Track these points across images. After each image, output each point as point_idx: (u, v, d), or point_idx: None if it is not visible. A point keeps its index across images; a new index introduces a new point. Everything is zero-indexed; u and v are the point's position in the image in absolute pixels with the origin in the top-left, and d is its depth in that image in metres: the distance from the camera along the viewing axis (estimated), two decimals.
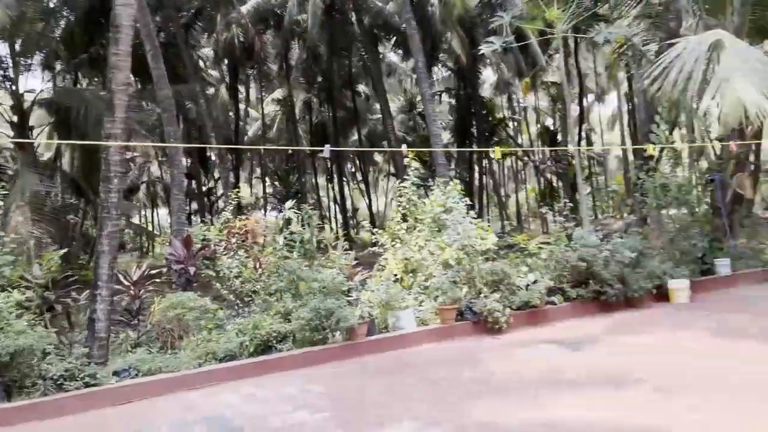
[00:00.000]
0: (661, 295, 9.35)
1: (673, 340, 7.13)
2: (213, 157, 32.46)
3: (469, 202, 10.03)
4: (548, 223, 25.95)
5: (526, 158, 38.88)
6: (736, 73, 7.96)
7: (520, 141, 39.42)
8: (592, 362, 6.36)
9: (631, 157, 20.37)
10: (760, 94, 7.77)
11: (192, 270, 9.64)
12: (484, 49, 12.51)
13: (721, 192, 11.61)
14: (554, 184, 34.88)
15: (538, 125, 39.49)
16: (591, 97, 41.18)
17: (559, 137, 33.46)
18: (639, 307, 9.04)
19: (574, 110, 34.43)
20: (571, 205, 11.18)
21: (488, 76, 38.04)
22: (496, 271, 8.59)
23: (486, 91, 37.79)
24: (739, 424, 4.36)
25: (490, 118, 34.57)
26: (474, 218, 9.53)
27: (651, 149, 9.97)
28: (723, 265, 10.60)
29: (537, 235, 16.17)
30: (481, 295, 8.35)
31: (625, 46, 12.33)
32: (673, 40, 9.77)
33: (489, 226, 10.00)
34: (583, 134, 31.56)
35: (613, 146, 35.21)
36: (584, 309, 8.87)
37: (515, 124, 39.92)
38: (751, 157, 12.89)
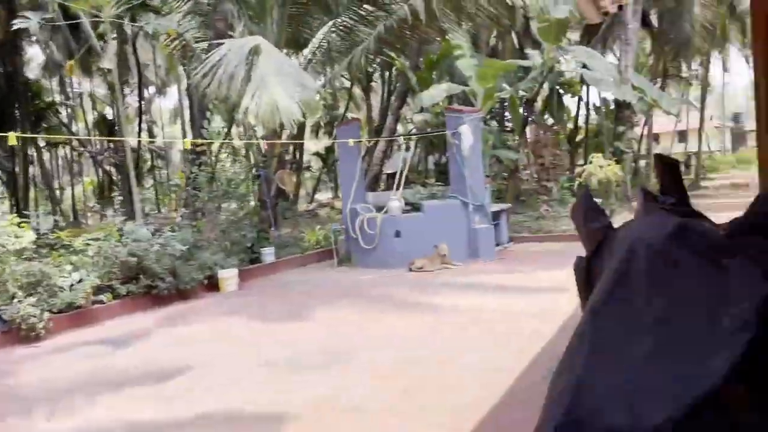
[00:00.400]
0: (213, 285, 9.78)
1: (221, 327, 7.48)
2: None
3: (2, 196, 8.74)
4: (107, 218, 24.64)
5: (82, 148, 36.09)
6: (272, 78, 8.79)
7: (75, 129, 36.33)
8: (142, 357, 6.24)
9: None
10: (291, 100, 8.74)
11: None
12: (19, 23, 11.03)
13: (267, 186, 12.74)
14: (114, 177, 33.25)
15: (96, 113, 37.12)
16: (153, 89, 40.72)
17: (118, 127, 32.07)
18: (192, 299, 9.27)
19: (133, 101, 33.46)
20: (121, 198, 10.77)
21: (36, 54, 34.03)
22: (33, 272, 7.69)
23: (34, 71, 33.66)
24: (257, 396, 4.81)
25: (38, 102, 30.96)
26: (7, 213, 8.35)
27: (188, 144, 10.31)
28: (268, 254, 11.69)
29: (93, 230, 15.14)
30: (15, 300, 7.36)
31: (178, 41, 12.43)
32: (220, 41, 10.26)
33: (27, 222, 8.88)
34: (144, 126, 30.88)
35: (174, 140, 35.47)
36: (135, 305, 8.65)
37: (69, 110, 36.68)
38: (297, 156, 14.52)
